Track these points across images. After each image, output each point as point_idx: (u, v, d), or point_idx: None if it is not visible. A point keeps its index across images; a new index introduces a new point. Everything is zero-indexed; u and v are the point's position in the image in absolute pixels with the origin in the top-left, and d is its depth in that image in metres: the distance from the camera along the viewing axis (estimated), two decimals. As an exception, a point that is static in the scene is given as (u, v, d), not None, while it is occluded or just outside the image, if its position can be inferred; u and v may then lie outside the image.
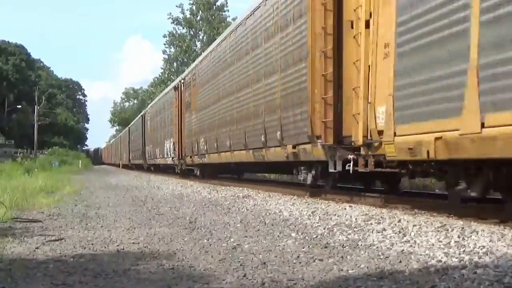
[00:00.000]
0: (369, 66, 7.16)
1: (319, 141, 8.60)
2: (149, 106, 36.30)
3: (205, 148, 17.12)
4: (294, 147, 9.76)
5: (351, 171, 7.85)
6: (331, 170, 8.37)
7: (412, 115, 6.17)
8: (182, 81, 21.71)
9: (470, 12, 5.19)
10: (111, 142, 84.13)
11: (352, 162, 7.82)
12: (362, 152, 7.44)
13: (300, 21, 9.48)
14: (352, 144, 7.68)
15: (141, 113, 38.43)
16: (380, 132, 6.84)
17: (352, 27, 7.76)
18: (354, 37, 7.61)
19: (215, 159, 16.12)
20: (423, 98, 5.96)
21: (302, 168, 10.25)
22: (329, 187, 9.76)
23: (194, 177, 20.74)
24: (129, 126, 49.76)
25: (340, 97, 8.16)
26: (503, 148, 4.85)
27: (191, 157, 19.72)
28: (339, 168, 8.12)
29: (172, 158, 23.62)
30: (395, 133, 6.47)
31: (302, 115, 9.29)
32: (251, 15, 12.66)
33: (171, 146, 23.94)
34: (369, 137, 7.17)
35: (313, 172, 9.72)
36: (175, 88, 23.08)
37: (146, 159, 33.87)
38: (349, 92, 7.84)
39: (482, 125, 5.03)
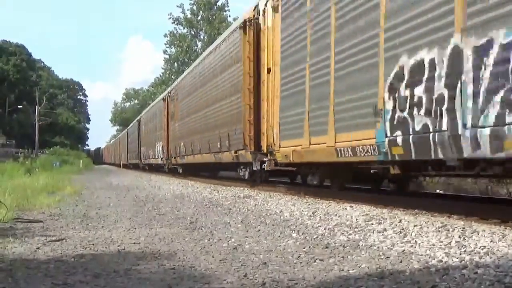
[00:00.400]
0: (270, 101, 11.11)
1: (247, 148, 12.56)
2: (144, 112, 39.70)
3: (184, 151, 21.01)
4: (236, 152, 13.69)
5: (265, 169, 11.83)
6: (254, 168, 12.34)
7: (286, 135, 10.13)
8: (169, 94, 25.73)
9: (306, 79, 9.17)
10: (111, 142, 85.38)
11: (266, 163, 11.78)
12: (268, 157, 11.40)
13: (240, 63, 13.40)
14: (263, 151, 11.65)
15: (137, 118, 41.76)
16: (275, 145, 10.79)
17: (264, 74, 11.75)
18: (262, 81, 11.60)
19: (191, 159, 20.08)
20: (289, 126, 9.93)
21: (242, 167, 14.26)
22: (259, 181, 13.72)
23: (179, 175, 24.35)
24: (127, 128, 52.51)
25: (259, 120, 12.13)
26: (319, 156, 8.85)
27: (175, 158, 23.61)
28: (258, 167, 12.09)
29: (162, 158, 27.43)
30: (280, 145, 10.43)
31: (240, 130, 13.23)
32: (216, 48, 16.60)
33: (160, 148, 27.81)
34: (270, 147, 11.12)
35: (248, 170, 13.68)
36: (164, 99, 27.09)
37: (141, 159, 37.22)
38: (261, 117, 11.82)
39: (310, 143, 9.00)
